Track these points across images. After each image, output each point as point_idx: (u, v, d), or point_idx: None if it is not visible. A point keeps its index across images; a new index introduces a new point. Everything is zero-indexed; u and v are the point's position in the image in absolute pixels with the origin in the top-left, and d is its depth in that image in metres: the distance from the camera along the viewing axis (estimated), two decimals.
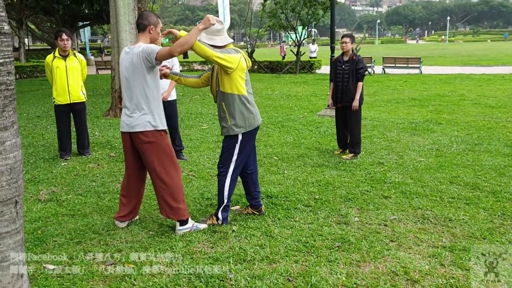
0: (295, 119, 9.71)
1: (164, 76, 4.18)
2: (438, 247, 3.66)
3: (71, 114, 6.80)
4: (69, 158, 6.72)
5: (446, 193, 4.94)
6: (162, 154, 3.87)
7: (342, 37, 6.33)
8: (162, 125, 3.87)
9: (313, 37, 39.82)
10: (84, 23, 28.46)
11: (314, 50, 24.88)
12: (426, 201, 4.71)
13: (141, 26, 3.84)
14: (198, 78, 4.27)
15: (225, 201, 4.06)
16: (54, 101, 6.68)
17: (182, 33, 3.79)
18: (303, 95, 13.79)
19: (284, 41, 23.20)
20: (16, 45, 39.48)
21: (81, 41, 44.24)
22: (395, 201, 4.72)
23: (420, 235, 3.90)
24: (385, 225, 4.13)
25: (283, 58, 28.35)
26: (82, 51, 40.57)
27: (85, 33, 35.91)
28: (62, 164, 6.41)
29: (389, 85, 15.77)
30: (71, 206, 4.70)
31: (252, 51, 23.09)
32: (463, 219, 4.23)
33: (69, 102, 6.61)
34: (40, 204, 4.78)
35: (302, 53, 21.78)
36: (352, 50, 6.37)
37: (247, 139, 4.00)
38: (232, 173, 4.03)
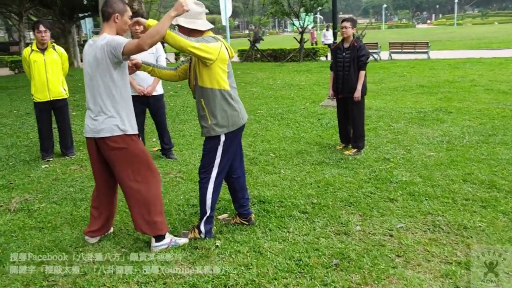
0: (296, 111, 9.18)
1: (135, 66, 3.66)
2: (452, 263, 3.16)
3: (53, 112, 6.33)
4: (51, 159, 6.26)
5: (459, 194, 4.42)
6: (135, 161, 3.39)
7: (342, 22, 5.77)
8: (132, 129, 3.37)
9: (326, 24, 38.85)
10: (84, 14, 27.86)
11: (329, 37, 23.79)
12: (437, 204, 4.19)
13: (105, 15, 3.33)
14: (175, 70, 3.76)
15: (208, 211, 3.58)
16: (33, 98, 6.21)
17: (151, 22, 3.28)
18: (306, 84, 13.22)
19: (313, 27, 22.17)
20: (17, 38, 39.08)
21: (85, 34, 43.73)
22: (402, 205, 4.21)
23: (431, 247, 3.39)
24: (391, 236, 3.62)
25: (312, 45, 27.43)
26: (85, 43, 40.07)
27: (87, 24, 35.34)
28: (43, 166, 5.96)
29: (396, 72, 15.14)
30: (41, 217, 4.24)
31: (255, 40, 22.46)
32: (480, 226, 3.71)
33: (49, 99, 6.13)
34: (9, 215, 4.33)
35: (305, 40, 21.12)
36: (353, 36, 5.81)
37: (230, 139, 3.50)
38: (215, 179, 3.54)
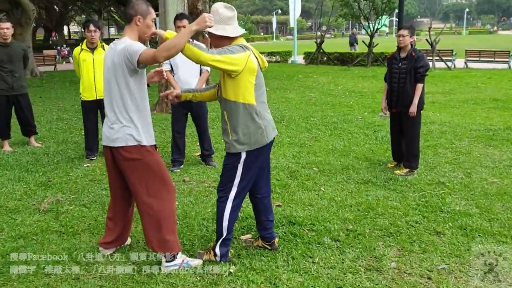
0: (351, 120, 8.68)
1: (176, 98, 3.50)
2: None
3: (99, 111, 6.35)
4: (94, 158, 6.28)
5: None
6: (150, 173, 3.19)
7: (399, 29, 5.28)
8: (147, 140, 3.17)
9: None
10: (157, 13, 28.77)
11: None
12: (491, 243, 3.65)
13: (127, 17, 3.16)
14: (214, 88, 3.50)
15: (224, 233, 3.30)
16: (80, 97, 6.27)
17: (169, 34, 3.05)
18: (369, 91, 12.59)
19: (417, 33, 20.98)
20: None
21: None
22: (450, 241, 3.70)
23: None
24: (429, 278, 3.16)
25: None
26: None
27: (157, 24, 36.49)
28: (85, 165, 5.98)
29: (469, 82, 14.06)
30: (66, 221, 4.18)
31: (321, 42, 21.93)
32: None
33: (95, 98, 6.15)
34: (37, 215, 4.32)
35: (374, 44, 20.28)
36: (411, 45, 5.29)
37: (252, 158, 3.20)
38: (234, 199, 3.26)
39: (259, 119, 3.16)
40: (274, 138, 3.33)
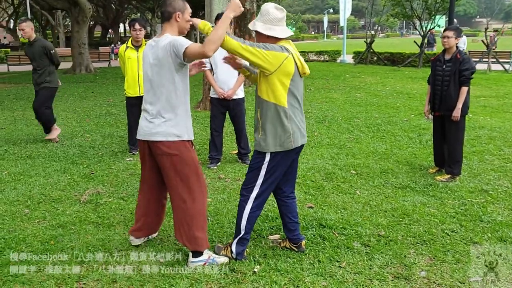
0: (396, 122, 8.46)
1: (237, 65, 3.51)
2: None
3: None
4: (137, 152, 6.46)
5: None
6: (185, 169, 3.25)
7: (445, 30, 5.09)
8: (188, 135, 3.24)
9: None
10: (203, 12, 29.17)
11: (463, 42, 20.34)
12: None
13: (165, 15, 3.23)
14: None
15: (242, 232, 3.32)
16: (125, 93, 6.48)
17: (203, 24, 3.09)
18: (417, 93, 12.21)
19: (497, 30, 19.08)
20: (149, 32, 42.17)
21: None
22: None
23: None
24: None
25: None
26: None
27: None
28: (127, 159, 6.18)
29: None
30: (104, 212, 4.34)
31: (372, 41, 21.50)
32: None
33: (139, 95, 6.32)
34: (77, 206, 4.51)
35: (426, 45, 19.65)
36: (457, 47, 5.09)
37: (276, 161, 3.19)
38: (254, 199, 3.27)
39: (288, 123, 3.14)
40: (302, 146, 3.30)
